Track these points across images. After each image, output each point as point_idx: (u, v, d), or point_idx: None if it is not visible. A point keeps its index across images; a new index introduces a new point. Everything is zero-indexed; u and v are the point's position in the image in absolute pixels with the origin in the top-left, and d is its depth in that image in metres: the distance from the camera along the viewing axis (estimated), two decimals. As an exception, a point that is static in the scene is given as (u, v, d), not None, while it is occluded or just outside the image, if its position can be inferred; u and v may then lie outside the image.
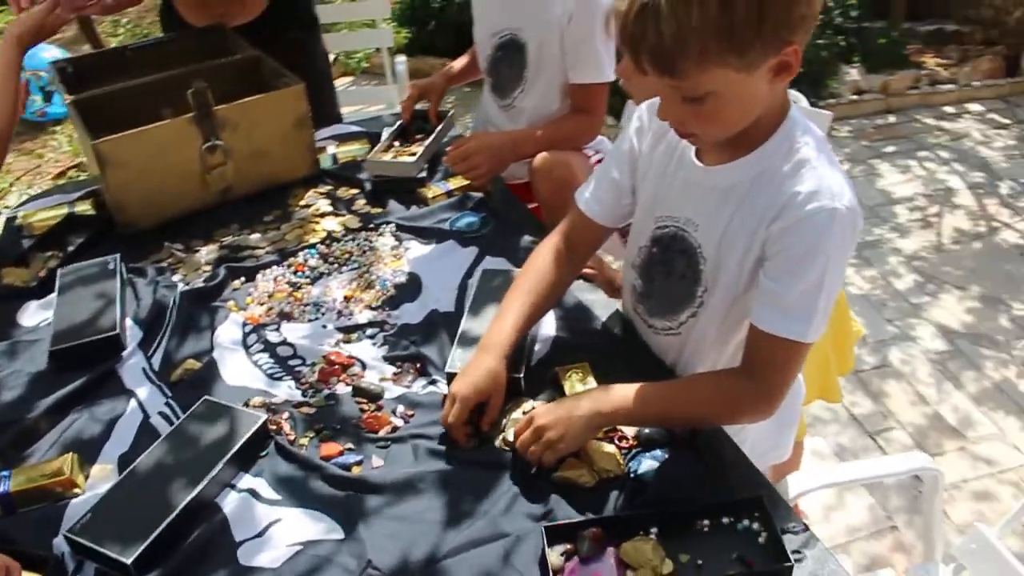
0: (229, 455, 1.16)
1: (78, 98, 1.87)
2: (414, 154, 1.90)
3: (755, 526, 1.06)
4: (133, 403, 1.33)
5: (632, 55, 1.08)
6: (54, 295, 1.56)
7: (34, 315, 1.57)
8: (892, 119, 4.38)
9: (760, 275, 1.15)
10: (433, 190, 1.83)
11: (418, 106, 2.05)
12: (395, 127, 2.02)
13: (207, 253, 1.71)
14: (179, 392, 1.34)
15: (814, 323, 1.10)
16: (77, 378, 1.37)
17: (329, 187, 1.92)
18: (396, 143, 1.98)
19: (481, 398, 1.21)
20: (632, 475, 1.14)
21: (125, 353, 1.43)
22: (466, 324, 1.39)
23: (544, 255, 1.38)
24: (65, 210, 1.87)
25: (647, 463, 1.14)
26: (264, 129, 1.84)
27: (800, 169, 1.12)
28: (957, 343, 2.80)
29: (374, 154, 1.91)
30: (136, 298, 1.57)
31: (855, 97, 4.38)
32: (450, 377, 1.29)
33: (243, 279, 1.61)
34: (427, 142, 1.92)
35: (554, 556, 1.02)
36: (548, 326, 1.43)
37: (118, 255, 1.64)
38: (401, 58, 3.36)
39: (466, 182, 1.83)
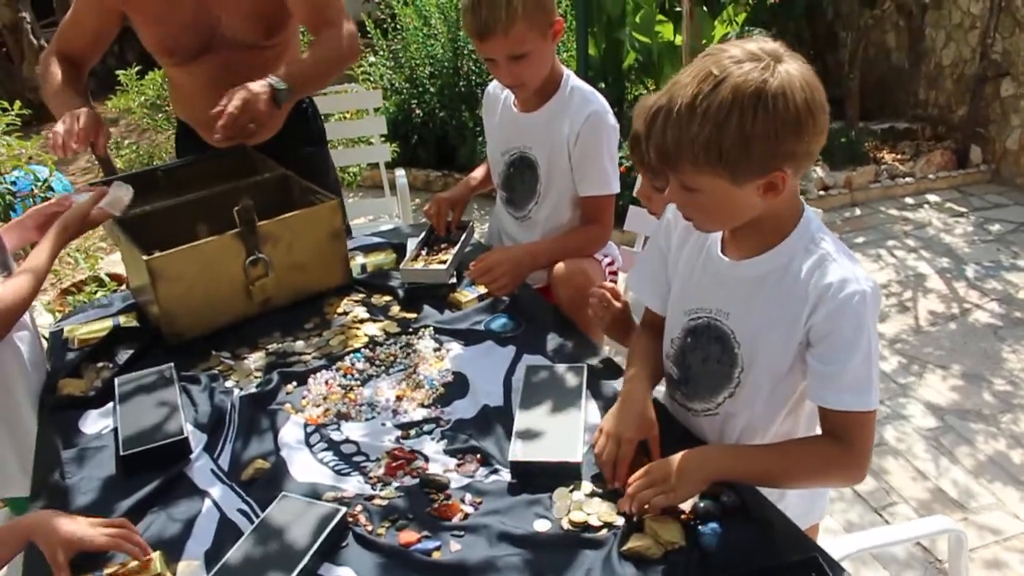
0: (316, 545, 1.23)
1: (122, 217, 1.98)
2: (444, 262, 2.02)
3: (816, 585, 1.15)
4: (208, 502, 1.40)
5: (644, 148, 1.27)
6: (112, 404, 1.64)
7: (95, 423, 1.64)
8: (858, 212, 4.64)
9: (810, 360, 1.30)
10: (464, 295, 1.95)
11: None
12: (421, 237, 2.15)
13: (255, 360, 1.79)
14: (253, 490, 1.41)
15: (874, 390, 1.27)
16: (147, 481, 1.44)
17: (362, 295, 2.03)
18: (423, 252, 2.11)
19: (641, 436, 1.36)
20: (697, 546, 1.23)
21: (192, 456, 1.50)
22: (521, 415, 1.49)
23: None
24: (109, 323, 1.96)
25: (710, 532, 1.24)
26: (302, 242, 1.96)
27: (825, 262, 1.28)
28: (947, 419, 2.94)
29: (406, 263, 2.04)
30: (193, 404, 1.65)
31: (822, 193, 4.65)
32: (514, 466, 1.39)
33: (295, 383, 1.70)
34: (454, 251, 2.05)
35: (640, 623, 1.10)
36: (593, 414, 1.53)
37: (172, 364, 1.72)
38: (401, 171, 3.53)
39: (490, 288, 1.96)
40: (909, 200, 4.73)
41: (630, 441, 1.35)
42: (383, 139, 3.76)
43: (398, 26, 5.41)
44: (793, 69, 1.17)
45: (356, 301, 2.01)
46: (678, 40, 4.54)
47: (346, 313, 1.95)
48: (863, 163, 4.83)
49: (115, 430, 1.57)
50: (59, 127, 1.95)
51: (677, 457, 1.30)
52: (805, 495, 1.48)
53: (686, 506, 1.30)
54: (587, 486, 1.37)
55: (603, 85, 4.86)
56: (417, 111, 5.25)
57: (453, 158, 5.32)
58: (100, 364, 1.82)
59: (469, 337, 1.83)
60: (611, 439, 1.36)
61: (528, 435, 1.44)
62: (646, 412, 1.39)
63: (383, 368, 1.74)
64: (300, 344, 1.84)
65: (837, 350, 1.27)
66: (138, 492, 1.41)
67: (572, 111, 1.97)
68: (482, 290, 1.96)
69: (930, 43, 5.18)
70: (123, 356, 1.83)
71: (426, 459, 1.46)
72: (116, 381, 1.68)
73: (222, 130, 1.91)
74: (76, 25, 2.24)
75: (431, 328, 1.86)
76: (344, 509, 1.30)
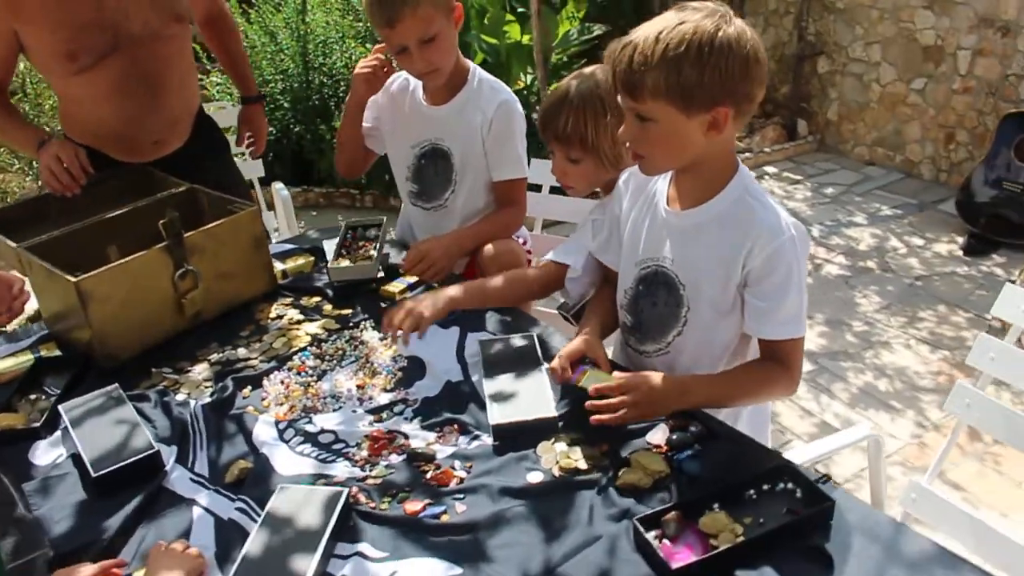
0: (331, 525, 1.27)
1: (31, 244, 1.90)
2: (369, 258, 2.07)
3: (790, 485, 1.30)
4: (197, 509, 1.39)
5: (612, 78, 1.43)
6: (59, 432, 1.59)
7: (47, 453, 1.57)
8: (708, 187, 4.98)
9: (748, 297, 1.48)
10: (396, 286, 2.00)
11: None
12: (338, 240, 2.18)
13: (200, 372, 1.78)
14: (244, 490, 1.42)
15: (803, 320, 1.46)
16: (125, 501, 1.41)
17: (290, 298, 2.04)
18: (343, 252, 2.14)
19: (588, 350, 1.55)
20: (680, 470, 1.35)
21: (167, 468, 1.49)
22: (489, 383, 1.58)
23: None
24: (29, 355, 1.88)
25: (688, 459, 1.37)
26: (227, 251, 1.95)
27: (758, 210, 1.46)
28: (820, 362, 3.25)
29: (333, 263, 2.06)
30: (148, 421, 1.62)
31: (674, 173, 4.96)
32: (496, 429, 1.47)
33: (250, 387, 1.70)
34: (376, 246, 2.10)
35: (652, 539, 1.21)
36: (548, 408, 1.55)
37: (116, 384, 1.68)
38: (280, 185, 3.50)
39: (423, 276, 2.02)
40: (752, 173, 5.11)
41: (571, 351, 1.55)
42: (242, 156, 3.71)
43: (245, 45, 5.30)
44: (743, 25, 1.36)
45: (286, 305, 2.02)
46: (525, 39, 4.72)
47: (280, 317, 1.96)
48: (705, 143, 5.18)
49: (74, 455, 1.52)
50: (52, 168, 2.09)
51: (654, 378, 1.45)
52: (755, 424, 1.65)
53: (659, 439, 1.43)
54: (565, 437, 1.47)
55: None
56: (271, 128, 5.17)
57: (310, 173, 5.28)
58: (33, 396, 1.74)
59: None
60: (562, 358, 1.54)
61: (501, 398, 1.53)
62: (593, 339, 1.59)
63: (335, 362, 1.77)
64: (242, 351, 1.84)
65: (774, 289, 1.46)
66: (120, 512, 1.39)
67: (483, 101, 2.07)
68: (410, 280, 2.02)
69: (750, 29, 5.62)
70: (54, 385, 1.77)
71: (406, 437, 1.52)
72: (61, 408, 1.62)
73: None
74: None
75: (372, 320, 1.90)
76: (346, 489, 1.34)
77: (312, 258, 2.20)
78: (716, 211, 1.49)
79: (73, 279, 1.73)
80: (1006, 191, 4.02)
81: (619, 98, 1.44)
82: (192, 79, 2.39)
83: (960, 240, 4.13)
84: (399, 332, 1.69)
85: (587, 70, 1.83)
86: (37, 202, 2.25)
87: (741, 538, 1.20)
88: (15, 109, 2.36)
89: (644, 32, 1.37)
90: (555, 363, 1.53)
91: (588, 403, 1.44)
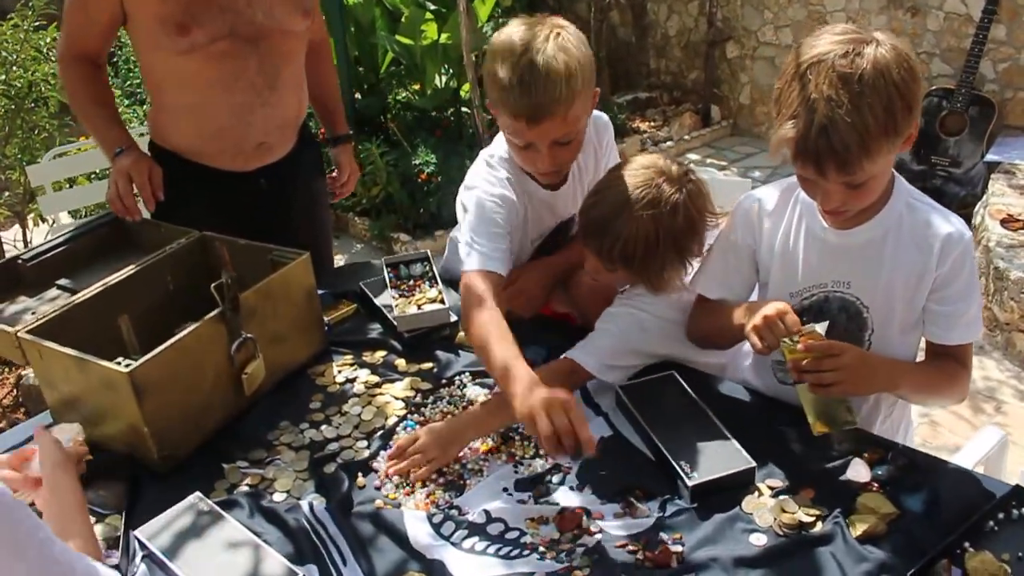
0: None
1: (34, 327, 1.54)
2: (434, 300, 1.82)
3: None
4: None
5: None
6: (142, 560, 1.27)
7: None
8: (639, 180, 4.92)
9: (932, 305, 1.39)
10: (474, 329, 1.77)
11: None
12: (384, 279, 1.91)
13: (288, 461, 1.49)
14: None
15: (981, 321, 1.43)
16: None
17: (349, 356, 1.77)
18: (394, 295, 1.87)
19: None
20: (907, 510, 1.25)
21: (315, 596, 1.21)
22: (660, 436, 1.40)
23: None
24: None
25: (909, 495, 1.27)
26: (281, 310, 1.66)
27: (932, 214, 1.37)
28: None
29: (399, 310, 1.79)
30: (256, 535, 1.32)
31: (604, 168, 4.87)
32: (694, 490, 1.29)
33: (361, 474, 1.44)
34: (439, 287, 1.85)
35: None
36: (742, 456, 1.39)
37: (198, 493, 1.37)
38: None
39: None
40: (675, 162, 5.10)
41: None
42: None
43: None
44: (883, 38, 1.26)
45: (348, 364, 1.74)
46: (443, 38, 4.49)
47: (351, 381, 1.69)
48: (627, 135, 5.13)
49: (185, 594, 1.22)
50: (119, 186, 1.85)
51: (864, 352, 1.39)
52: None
53: (864, 475, 1.31)
54: (766, 488, 1.32)
55: (365, 87, 4.70)
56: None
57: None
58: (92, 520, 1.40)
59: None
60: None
61: (688, 455, 1.35)
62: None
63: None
64: (326, 428, 1.56)
65: (959, 293, 1.37)
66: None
67: (593, 134, 1.80)
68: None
69: (654, 17, 5.62)
70: (107, 503, 1.42)
71: (588, 513, 1.31)
72: (140, 535, 1.30)
73: None
74: (82, 19, 1.90)
75: (466, 374, 1.66)
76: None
77: (353, 304, 1.92)
78: (888, 223, 1.38)
79: (123, 369, 1.39)
80: (935, 165, 4.16)
81: (810, 176, 1.28)
82: (304, 83, 2.10)
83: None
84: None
85: (641, 165, 1.55)
86: (4, 266, 1.85)
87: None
88: (110, 96, 2.02)
89: (824, 106, 1.20)
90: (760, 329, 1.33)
91: (794, 367, 1.31)
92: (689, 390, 1.51)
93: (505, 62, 1.50)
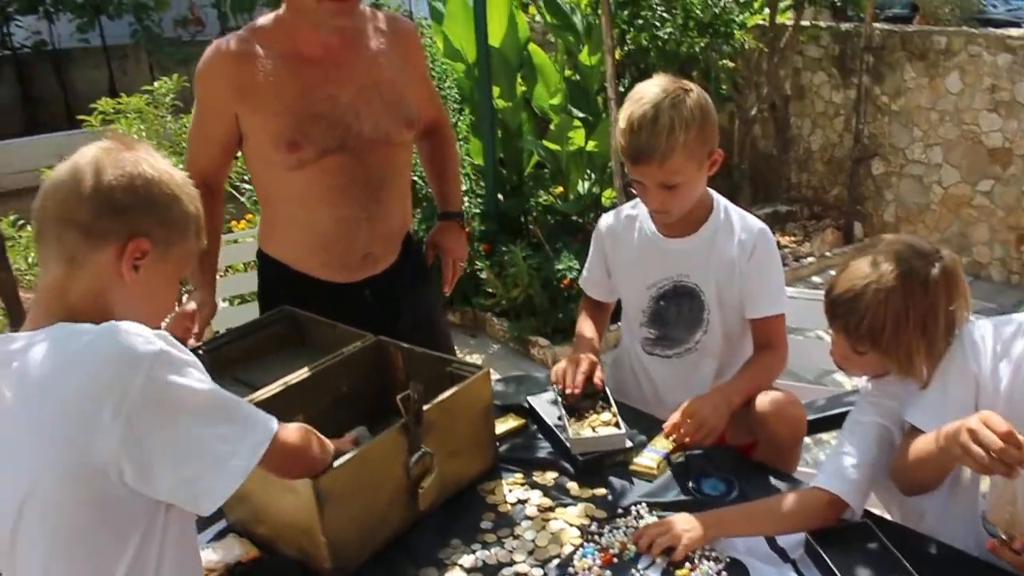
0: None
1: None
2: (608, 423, 1.77)
3: None
4: None
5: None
6: None
7: None
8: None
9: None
10: (651, 458, 1.70)
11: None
12: (553, 396, 1.88)
13: (464, 585, 1.44)
14: None
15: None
16: None
17: (519, 474, 1.73)
18: (564, 413, 1.83)
19: None
20: None
21: None
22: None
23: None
24: (212, 557, 1.51)
25: None
26: (460, 425, 1.64)
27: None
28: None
29: (573, 431, 1.75)
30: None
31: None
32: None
33: (537, 605, 1.38)
34: (613, 409, 1.80)
35: None
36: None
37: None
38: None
39: (675, 445, 1.73)
40: (816, 279, 4.96)
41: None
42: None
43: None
44: None
45: (519, 484, 1.70)
46: (590, 146, 4.55)
47: (522, 502, 1.64)
48: (766, 247, 5.02)
49: None
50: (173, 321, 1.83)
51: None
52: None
53: None
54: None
55: (507, 188, 4.79)
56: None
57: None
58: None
59: (687, 509, 1.58)
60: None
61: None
62: None
63: (632, 561, 1.45)
64: (499, 551, 1.51)
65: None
66: None
67: (737, 229, 1.84)
68: (664, 450, 1.72)
69: (797, 131, 5.57)
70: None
71: None
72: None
73: None
74: (201, 139, 1.98)
75: (642, 504, 1.60)
76: None
77: (523, 420, 1.89)
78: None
79: (307, 478, 1.39)
80: None
81: None
82: (409, 193, 2.13)
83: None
84: None
85: (889, 243, 1.55)
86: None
87: None
88: (217, 225, 2.05)
89: None
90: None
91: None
92: (888, 544, 1.40)
93: (628, 107, 1.72)
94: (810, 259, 5.03)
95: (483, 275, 4.10)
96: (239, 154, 2.03)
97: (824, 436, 2.60)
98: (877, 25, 5.07)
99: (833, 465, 1.52)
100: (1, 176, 6.75)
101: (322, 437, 1.40)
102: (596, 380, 1.84)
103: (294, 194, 1.93)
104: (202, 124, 1.96)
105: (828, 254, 5.10)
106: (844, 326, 1.54)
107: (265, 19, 1.93)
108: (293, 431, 1.32)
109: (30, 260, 3.51)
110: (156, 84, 3.98)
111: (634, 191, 1.83)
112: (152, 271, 1.21)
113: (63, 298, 1.18)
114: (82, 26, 8.41)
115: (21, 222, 3.56)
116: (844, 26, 5.33)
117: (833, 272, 4.82)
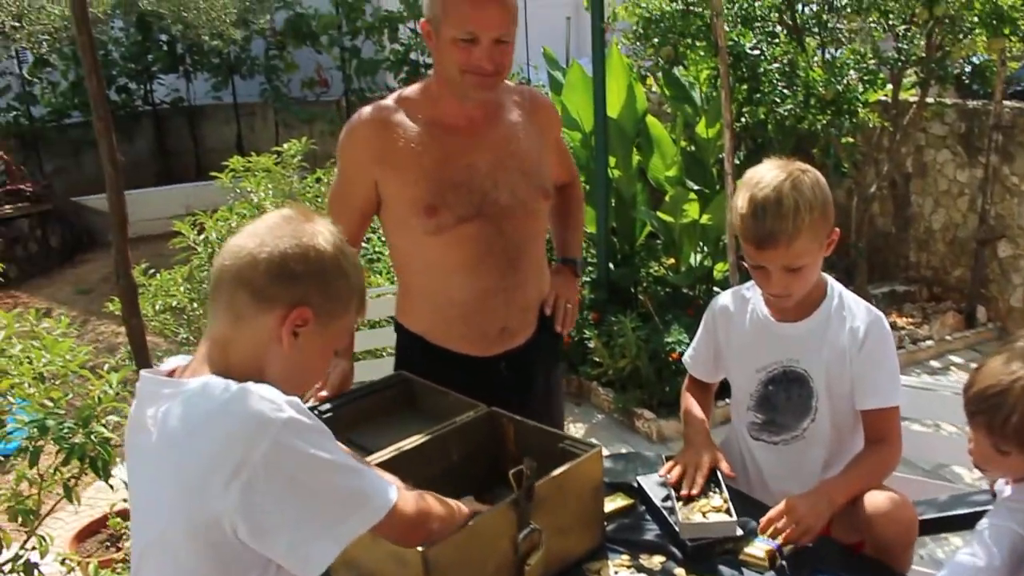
0: None
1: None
2: (718, 509, 1.73)
3: None
4: None
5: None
6: None
7: None
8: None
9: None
10: (761, 548, 1.66)
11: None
12: (660, 482, 1.86)
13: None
14: None
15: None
16: None
17: (625, 556, 1.71)
18: (674, 495, 1.80)
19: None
20: None
21: None
22: None
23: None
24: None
25: None
26: (570, 502, 1.65)
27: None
28: None
29: (683, 516, 1.72)
30: None
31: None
32: None
33: None
34: (725, 495, 1.77)
35: None
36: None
37: None
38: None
39: (787, 537, 1.68)
40: (935, 363, 4.75)
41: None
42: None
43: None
44: None
45: (626, 566, 1.68)
46: (704, 218, 4.53)
47: (631, 585, 1.62)
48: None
49: None
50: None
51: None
52: None
53: None
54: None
55: (618, 258, 4.79)
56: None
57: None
58: None
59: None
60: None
61: None
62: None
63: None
64: (605, 637, 1.49)
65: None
66: None
67: (850, 315, 1.82)
68: (776, 541, 1.67)
69: (918, 209, 5.40)
70: None
71: None
72: None
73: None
74: (341, 202, 2.04)
75: (753, 598, 1.55)
76: None
77: (631, 500, 1.88)
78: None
79: (417, 548, 1.41)
80: None
81: None
82: (545, 265, 2.14)
83: None
84: None
85: None
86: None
87: None
88: None
89: None
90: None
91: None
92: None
93: (747, 191, 1.73)
94: (928, 342, 4.83)
95: (591, 344, 4.09)
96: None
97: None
98: (1007, 103, 4.91)
99: (957, 568, 1.45)
100: (135, 223, 7.16)
101: (449, 502, 1.42)
102: (724, 468, 1.83)
103: (432, 262, 1.97)
104: (343, 188, 2.03)
105: (948, 338, 4.89)
106: (987, 423, 1.49)
107: (413, 88, 2.02)
108: (412, 501, 1.35)
109: (157, 307, 3.67)
110: (285, 146, 4.18)
111: (750, 274, 1.81)
112: (310, 340, 1.27)
113: (223, 351, 1.25)
114: (217, 84, 8.99)
115: (152, 271, 3.73)
116: (971, 103, 5.17)
117: (953, 357, 4.66)
